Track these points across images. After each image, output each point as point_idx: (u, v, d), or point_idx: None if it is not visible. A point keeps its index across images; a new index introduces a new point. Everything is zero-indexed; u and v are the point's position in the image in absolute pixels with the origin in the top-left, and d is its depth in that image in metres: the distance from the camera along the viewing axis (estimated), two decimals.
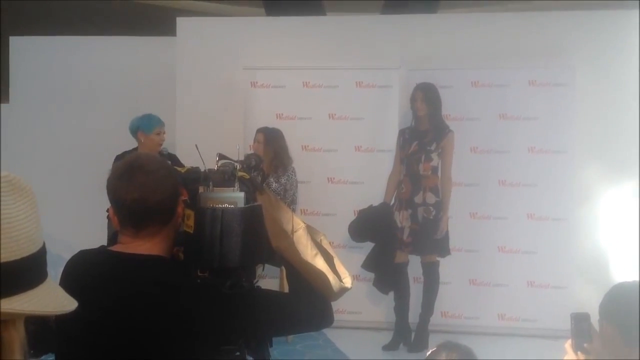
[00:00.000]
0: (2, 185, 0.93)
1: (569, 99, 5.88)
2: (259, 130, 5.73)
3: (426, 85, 5.56)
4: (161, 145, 5.42)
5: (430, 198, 5.43)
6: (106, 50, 6.98)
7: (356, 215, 5.79)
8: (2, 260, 0.91)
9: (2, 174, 0.95)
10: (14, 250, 0.93)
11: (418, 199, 5.43)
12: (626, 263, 5.83)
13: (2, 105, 7.14)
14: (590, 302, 2.37)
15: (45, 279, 1.00)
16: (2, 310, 0.90)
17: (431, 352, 2.15)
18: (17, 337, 0.95)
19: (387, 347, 5.53)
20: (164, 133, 5.44)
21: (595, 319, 2.18)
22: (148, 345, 1.66)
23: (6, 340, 0.94)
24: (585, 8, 6.43)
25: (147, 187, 1.71)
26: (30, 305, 0.94)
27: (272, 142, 5.67)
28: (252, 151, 5.59)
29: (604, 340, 2.13)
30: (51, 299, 0.99)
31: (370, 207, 5.71)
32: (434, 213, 5.42)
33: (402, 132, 5.67)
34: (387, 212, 5.56)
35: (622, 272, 5.51)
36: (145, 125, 5.34)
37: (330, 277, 1.93)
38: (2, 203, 0.92)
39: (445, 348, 2.13)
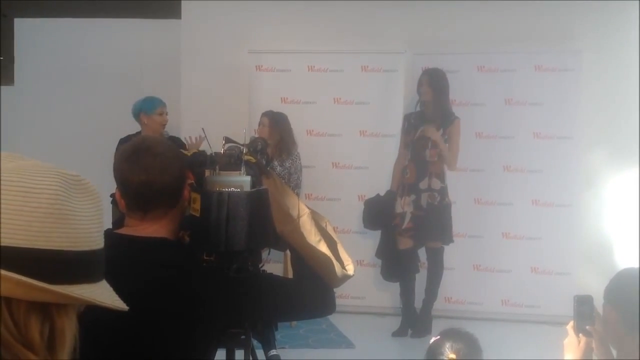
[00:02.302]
0: (71, 183, 1.00)
1: (575, 84, 5.85)
2: (264, 114, 5.72)
3: (433, 70, 5.53)
4: (164, 126, 5.43)
5: (436, 184, 5.42)
6: (111, 33, 6.96)
7: (362, 202, 5.81)
8: (65, 249, 0.96)
9: (74, 174, 1.02)
10: (76, 242, 0.98)
11: (423, 184, 5.42)
12: (631, 249, 5.82)
13: (7, 87, 7.13)
14: (594, 288, 2.36)
15: (101, 280, 1.06)
16: (63, 294, 0.95)
17: (434, 341, 2.14)
18: (70, 327, 0.99)
19: (396, 333, 5.53)
20: (166, 114, 5.44)
21: (599, 302, 2.18)
22: (155, 327, 1.67)
23: (59, 329, 0.97)
24: None
25: (153, 169, 1.71)
26: (90, 294, 0.99)
27: (277, 125, 5.67)
28: (256, 135, 5.58)
29: (605, 324, 2.13)
30: (107, 296, 1.05)
31: (377, 196, 5.72)
32: (438, 199, 5.41)
33: (407, 117, 5.65)
34: (393, 201, 5.56)
35: (626, 259, 5.50)
36: (147, 106, 5.35)
37: (334, 264, 1.93)
38: (70, 198, 0.98)
39: (448, 337, 2.12)
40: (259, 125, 5.70)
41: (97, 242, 1.03)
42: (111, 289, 1.08)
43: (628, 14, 5.92)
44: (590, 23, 6.00)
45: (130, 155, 1.74)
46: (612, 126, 5.93)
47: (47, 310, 0.95)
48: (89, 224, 1.01)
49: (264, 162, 2.01)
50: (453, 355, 2.02)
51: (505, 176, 5.96)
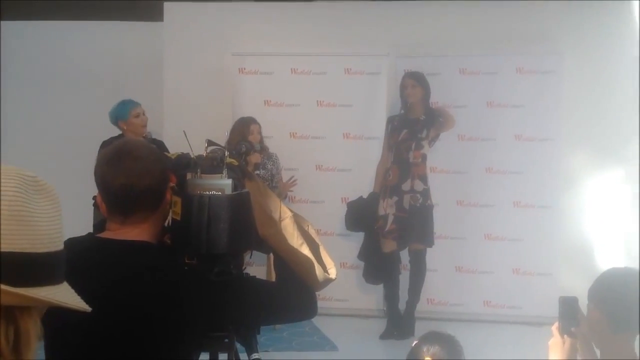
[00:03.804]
0: (30, 184, 1.00)
1: (556, 86, 5.90)
2: (254, 122, 5.65)
3: (416, 72, 5.56)
4: (144, 126, 5.35)
5: (419, 185, 5.44)
6: (93, 36, 6.91)
7: (345, 205, 5.81)
8: (26, 251, 0.97)
9: (32, 175, 1.02)
10: (37, 244, 0.98)
11: (406, 186, 5.44)
12: (611, 250, 5.88)
13: None
14: (576, 288, 2.39)
15: (62, 282, 1.06)
16: (28, 296, 0.95)
17: (413, 347, 2.16)
18: (34, 329, 0.99)
19: (384, 336, 5.53)
20: (144, 113, 5.36)
21: (582, 303, 2.20)
22: (136, 331, 1.66)
23: (24, 331, 0.97)
24: None
25: (134, 172, 1.70)
26: (52, 296, 0.99)
27: (261, 132, 5.68)
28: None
29: (590, 324, 2.15)
30: (70, 297, 1.05)
31: (360, 198, 5.73)
32: (420, 200, 5.43)
33: (390, 120, 5.67)
34: (376, 203, 5.58)
35: (607, 259, 5.55)
36: (121, 112, 5.29)
37: (315, 267, 1.93)
38: (29, 200, 0.99)
39: (426, 340, 2.14)
40: (251, 133, 5.54)
41: (57, 244, 1.03)
42: (72, 290, 1.07)
43: (607, 17, 5.99)
44: (570, 26, 6.05)
45: (111, 159, 1.73)
46: (592, 128, 5.98)
47: (10, 313, 0.95)
48: (49, 225, 1.01)
49: (257, 165, 2.01)
50: (429, 358, 2.03)
51: (487, 178, 5.99)
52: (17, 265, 0.95)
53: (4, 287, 0.92)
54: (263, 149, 5.64)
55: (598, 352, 2.20)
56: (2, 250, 0.94)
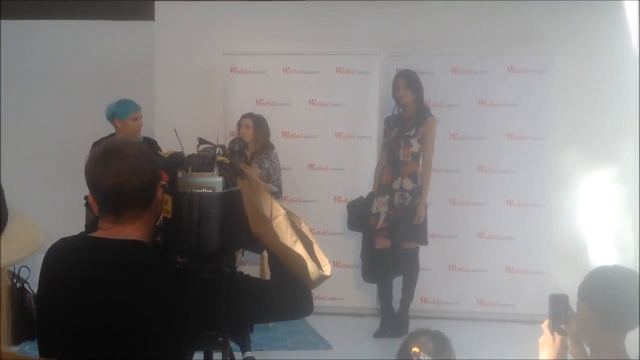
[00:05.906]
0: None
1: (547, 85, 5.91)
2: (246, 116, 5.69)
3: (407, 71, 5.56)
4: (139, 130, 5.37)
5: (408, 184, 5.44)
6: (84, 35, 6.89)
7: (339, 203, 5.86)
8: None
9: None
10: None
11: (396, 184, 5.45)
12: (603, 248, 5.90)
13: None
14: (568, 287, 2.39)
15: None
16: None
17: (402, 343, 2.18)
18: (4, 284, 1.05)
19: (377, 334, 5.53)
20: (141, 118, 5.38)
21: (574, 301, 2.20)
22: (128, 329, 1.66)
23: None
24: None
25: (124, 172, 1.70)
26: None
27: (259, 127, 5.69)
28: (234, 137, 5.57)
29: (580, 322, 2.15)
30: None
31: (360, 198, 5.73)
32: (409, 199, 5.44)
33: (387, 120, 5.68)
34: (372, 202, 5.60)
35: (599, 257, 5.58)
36: (121, 111, 5.29)
37: (309, 264, 1.93)
38: None
39: (414, 335, 2.17)
40: (241, 127, 5.66)
41: None
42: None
43: (598, 16, 6.01)
44: (561, 25, 6.07)
45: (100, 159, 1.73)
46: (583, 126, 6.01)
47: None
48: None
49: (245, 163, 2.01)
50: (416, 349, 2.06)
51: (480, 176, 6.00)
52: None
53: None
54: (267, 147, 5.64)
55: (588, 350, 2.20)
56: None
